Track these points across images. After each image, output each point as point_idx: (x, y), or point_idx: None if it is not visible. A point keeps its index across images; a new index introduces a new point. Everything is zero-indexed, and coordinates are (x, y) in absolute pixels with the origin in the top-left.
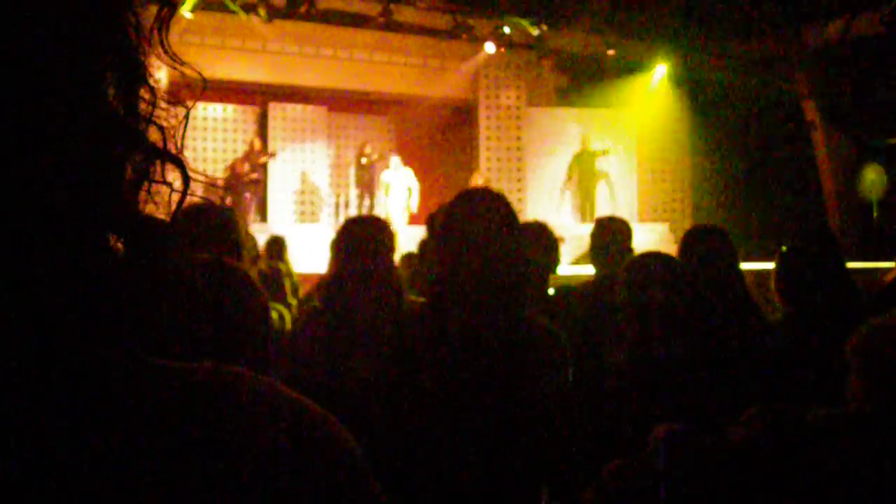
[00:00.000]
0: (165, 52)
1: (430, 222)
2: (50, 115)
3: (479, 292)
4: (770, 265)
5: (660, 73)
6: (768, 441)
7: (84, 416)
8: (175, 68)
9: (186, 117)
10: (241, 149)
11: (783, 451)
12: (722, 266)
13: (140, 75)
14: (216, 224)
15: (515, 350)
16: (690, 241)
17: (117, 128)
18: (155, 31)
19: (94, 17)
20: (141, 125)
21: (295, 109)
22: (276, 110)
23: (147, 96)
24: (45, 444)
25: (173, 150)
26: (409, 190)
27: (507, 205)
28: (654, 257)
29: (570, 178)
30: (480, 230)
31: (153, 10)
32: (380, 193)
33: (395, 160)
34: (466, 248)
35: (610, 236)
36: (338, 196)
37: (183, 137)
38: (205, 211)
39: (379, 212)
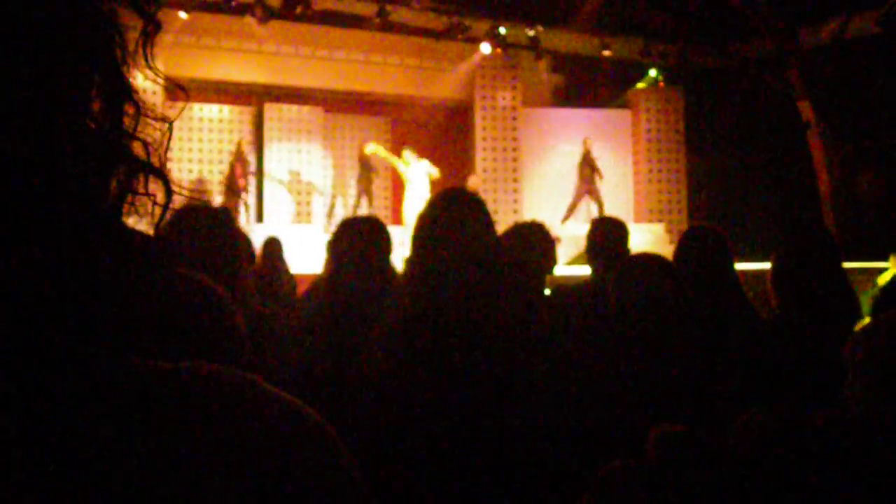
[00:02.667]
0: (150, 68)
1: None
2: (31, 129)
3: (457, 291)
4: (764, 265)
5: (655, 73)
6: (766, 444)
7: (74, 415)
8: (159, 83)
9: (170, 130)
10: (232, 150)
11: (781, 454)
12: (718, 267)
13: (124, 91)
14: (210, 225)
15: (502, 343)
16: (687, 241)
17: (100, 142)
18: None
19: (78, 35)
20: (125, 139)
21: (291, 110)
22: (271, 111)
23: (131, 111)
24: (43, 444)
25: (157, 164)
26: (430, 177)
27: (483, 204)
28: (646, 259)
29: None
30: (457, 227)
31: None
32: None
33: (408, 154)
34: (444, 245)
35: (606, 237)
36: (334, 196)
37: (167, 150)
38: (198, 212)
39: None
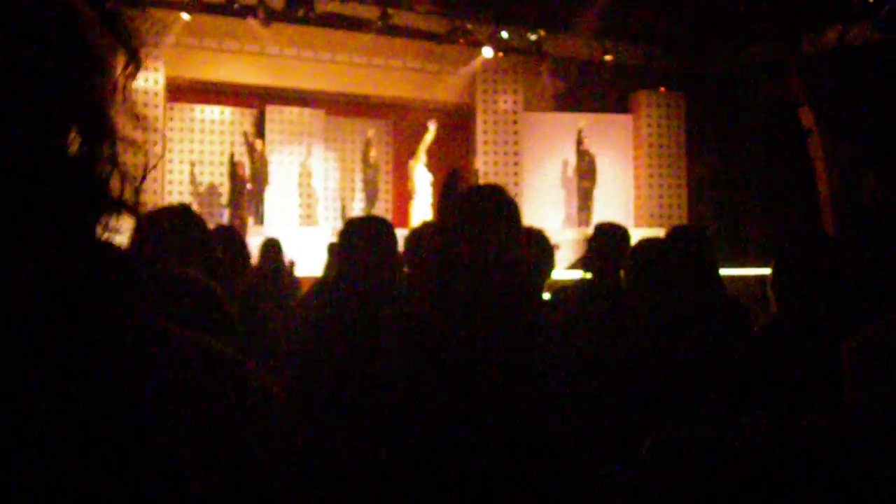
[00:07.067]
0: (126, 104)
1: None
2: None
3: (479, 293)
4: (764, 271)
5: (656, 78)
6: (765, 447)
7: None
8: (137, 122)
9: (146, 168)
10: (238, 151)
11: (780, 458)
12: (705, 265)
13: (103, 129)
14: (175, 223)
15: (521, 352)
16: (670, 241)
17: (71, 175)
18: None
19: (59, 78)
20: (104, 170)
21: (292, 112)
22: (273, 113)
23: (108, 151)
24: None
25: (130, 196)
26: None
27: (511, 202)
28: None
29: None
30: (481, 231)
31: (154, 13)
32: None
33: (423, 157)
34: (466, 249)
35: (609, 242)
36: (335, 199)
37: (142, 181)
38: (162, 213)
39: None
